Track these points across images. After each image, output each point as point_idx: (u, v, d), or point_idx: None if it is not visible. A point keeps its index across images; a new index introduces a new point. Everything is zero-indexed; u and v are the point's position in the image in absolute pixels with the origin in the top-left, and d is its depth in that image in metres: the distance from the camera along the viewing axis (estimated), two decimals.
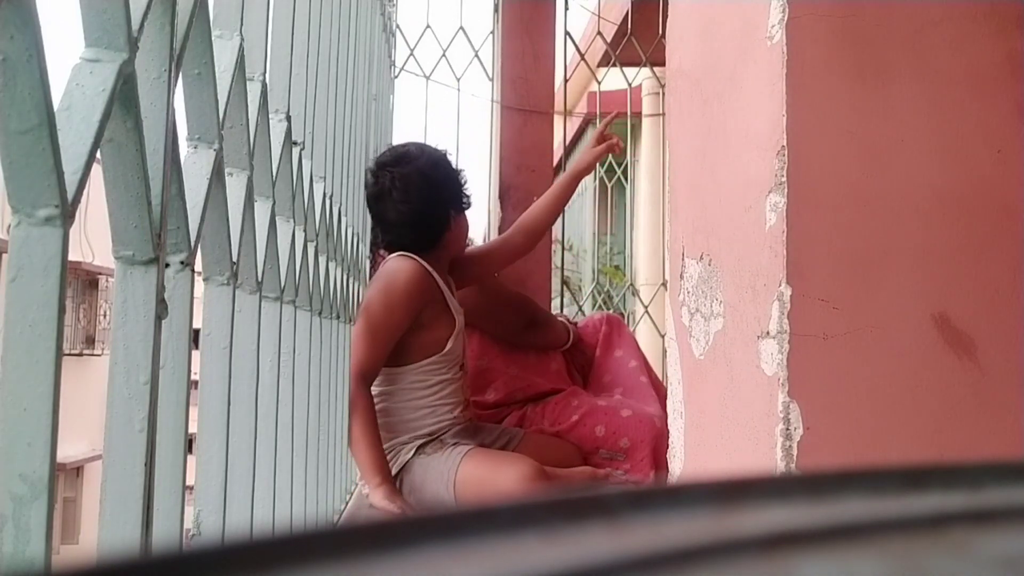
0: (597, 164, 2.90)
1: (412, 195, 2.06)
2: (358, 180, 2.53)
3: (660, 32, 3.41)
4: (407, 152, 2.14)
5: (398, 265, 2.06)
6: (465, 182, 2.18)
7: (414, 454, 2.08)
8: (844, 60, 1.12)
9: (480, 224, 3.84)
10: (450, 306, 2.12)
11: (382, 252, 2.21)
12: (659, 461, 2.10)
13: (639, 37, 3.91)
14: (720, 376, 1.27)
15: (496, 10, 3.79)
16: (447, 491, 2.01)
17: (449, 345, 2.09)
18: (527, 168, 3.70)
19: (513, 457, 2.07)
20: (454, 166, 2.18)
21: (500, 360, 2.40)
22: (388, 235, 2.14)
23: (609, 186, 4.74)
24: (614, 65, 4.02)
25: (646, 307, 4.13)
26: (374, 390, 2.04)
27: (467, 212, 2.21)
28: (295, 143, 1.66)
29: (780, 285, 1.10)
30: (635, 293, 4.64)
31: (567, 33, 3.81)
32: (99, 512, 0.73)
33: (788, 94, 1.11)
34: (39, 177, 0.58)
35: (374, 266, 2.29)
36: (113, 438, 0.73)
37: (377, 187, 2.12)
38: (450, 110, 3.76)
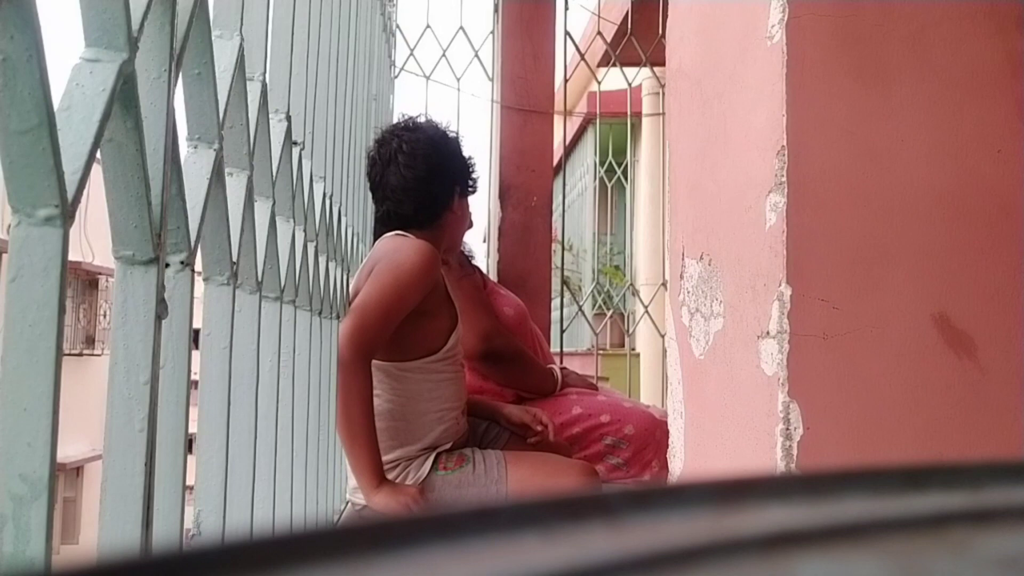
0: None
1: (419, 161, 1.94)
2: (358, 180, 2.53)
3: (660, 32, 3.41)
4: (418, 122, 2.03)
5: (406, 243, 1.87)
6: (473, 167, 2.07)
7: (431, 469, 1.87)
8: (844, 60, 1.12)
9: (480, 224, 3.83)
10: (450, 295, 1.97)
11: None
12: (660, 451, 2.10)
13: (639, 37, 3.91)
14: (720, 376, 1.27)
15: (496, 10, 3.79)
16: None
17: (453, 338, 1.91)
18: (527, 168, 3.70)
19: (563, 464, 1.92)
20: (463, 150, 2.07)
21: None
22: (386, 203, 1.99)
23: (609, 186, 4.73)
24: (614, 65, 4.02)
25: (646, 307, 4.12)
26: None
27: (470, 201, 2.10)
28: (295, 143, 1.66)
29: (780, 285, 1.10)
30: (635, 293, 4.64)
31: (567, 33, 3.81)
32: (99, 512, 0.73)
33: (788, 94, 1.11)
34: (39, 177, 0.57)
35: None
36: (113, 438, 0.73)
37: (383, 151, 2.00)
38: (450, 110, 3.77)
